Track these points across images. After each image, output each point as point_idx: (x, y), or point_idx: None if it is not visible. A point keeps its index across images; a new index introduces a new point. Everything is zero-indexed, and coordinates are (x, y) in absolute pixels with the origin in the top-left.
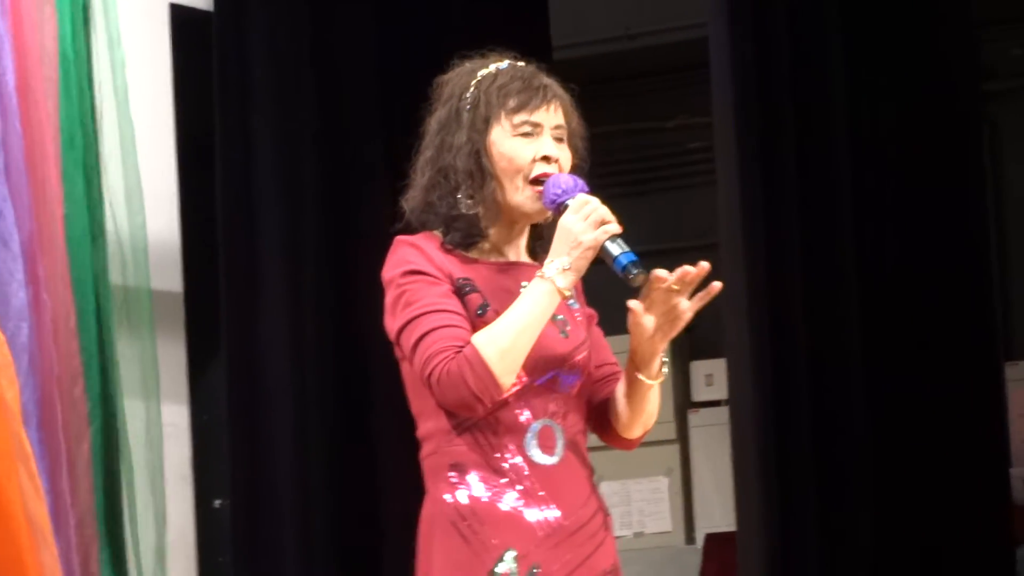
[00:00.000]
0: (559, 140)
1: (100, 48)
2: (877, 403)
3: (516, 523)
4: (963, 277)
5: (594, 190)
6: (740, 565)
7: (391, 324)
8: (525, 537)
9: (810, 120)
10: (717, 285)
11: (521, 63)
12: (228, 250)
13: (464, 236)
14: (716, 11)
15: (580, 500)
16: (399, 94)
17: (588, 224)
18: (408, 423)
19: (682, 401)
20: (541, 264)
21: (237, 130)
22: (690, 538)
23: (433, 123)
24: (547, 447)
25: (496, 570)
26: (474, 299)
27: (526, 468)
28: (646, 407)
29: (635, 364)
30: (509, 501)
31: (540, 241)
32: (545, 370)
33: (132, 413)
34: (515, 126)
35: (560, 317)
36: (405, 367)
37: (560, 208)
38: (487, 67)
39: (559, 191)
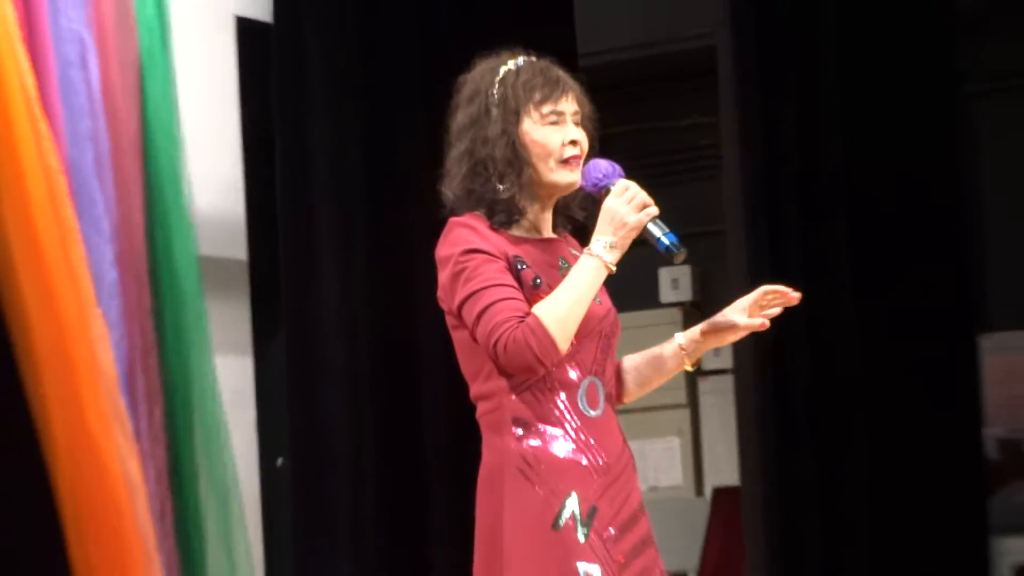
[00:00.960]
0: (577, 124)
1: (178, 54)
2: (867, 370)
3: (576, 469)
4: (944, 257)
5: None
6: (744, 515)
7: (451, 297)
8: (584, 481)
9: (807, 120)
10: (771, 316)
11: (533, 58)
12: (287, 230)
13: (507, 216)
14: (723, 23)
15: (619, 447)
16: (438, 93)
17: (632, 207)
18: (454, 386)
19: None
20: (567, 238)
21: (293, 124)
22: (699, 492)
23: (463, 119)
24: (593, 401)
25: (563, 511)
26: (527, 274)
27: (577, 420)
28: (661, 382)
29: (688, 352)
30: (567, 449)
31: (560, 217)
32: (589, 334)
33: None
34: (543, 116)
35: None
36: (458, 334)
37: (601, 191)
38: (506, 65)
39: (600, 175)
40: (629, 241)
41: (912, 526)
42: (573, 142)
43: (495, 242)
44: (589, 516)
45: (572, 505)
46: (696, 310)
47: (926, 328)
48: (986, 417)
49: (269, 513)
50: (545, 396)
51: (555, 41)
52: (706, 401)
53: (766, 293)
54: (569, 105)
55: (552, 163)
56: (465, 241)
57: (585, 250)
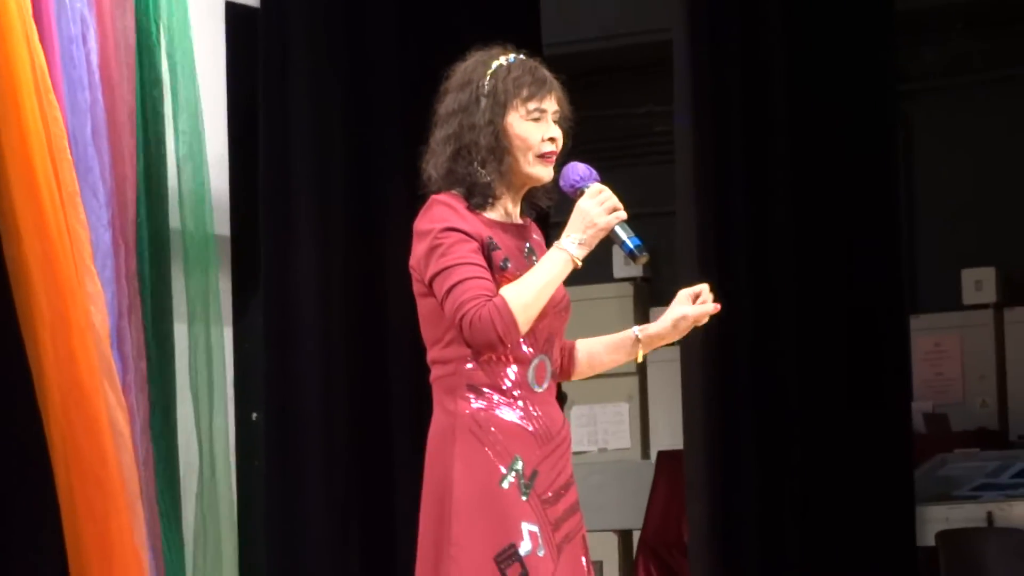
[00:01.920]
0: (556, 122)
1: (170, 36)
2: (804, 345)
3: (523, 434)
4: (878, 245)
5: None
6: (687, 477)
7: (424, 268)
8: (529, 447)
9: (755, 111)
10: (717, 306)
11: (523, 57)
12: (268, 202)
13: (483, 200)
14: (679, 20)
15: (559, 420)
16: (415, 76)
17: (603, 209)
18: (419, 349)
19: None
20: (531, 225)
21: (277, 104)
22: (645, 454)
23: (452, 104)
24: (540, 377)
25: (509, 472)
26: (498, 255)
27: (525, 392)
28: (604, 369)
29: (643, 343)
30: (515, 416)
31: (526, 204)
32: (545, 315)
33: (184, 340)
34: (528, 112)
35: None
36: (424, 302)
37: (577, 192)
38: (499, 60)
39: (577, 178)
40: (597, 240)
41: (843, 492)
42: (552, 139)
43: (471, 222)
44: (531, 479)
45: (517, 467)
46: (646, 284)
47: (860, 308)
48: (914, 393)
49: (244, 464)
50: (499, 368)
51: (521, 30)
52: (654, 370)
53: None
54: (551, 104)
55: (531, 156)
56: (444, 219)
57: (556, 244)
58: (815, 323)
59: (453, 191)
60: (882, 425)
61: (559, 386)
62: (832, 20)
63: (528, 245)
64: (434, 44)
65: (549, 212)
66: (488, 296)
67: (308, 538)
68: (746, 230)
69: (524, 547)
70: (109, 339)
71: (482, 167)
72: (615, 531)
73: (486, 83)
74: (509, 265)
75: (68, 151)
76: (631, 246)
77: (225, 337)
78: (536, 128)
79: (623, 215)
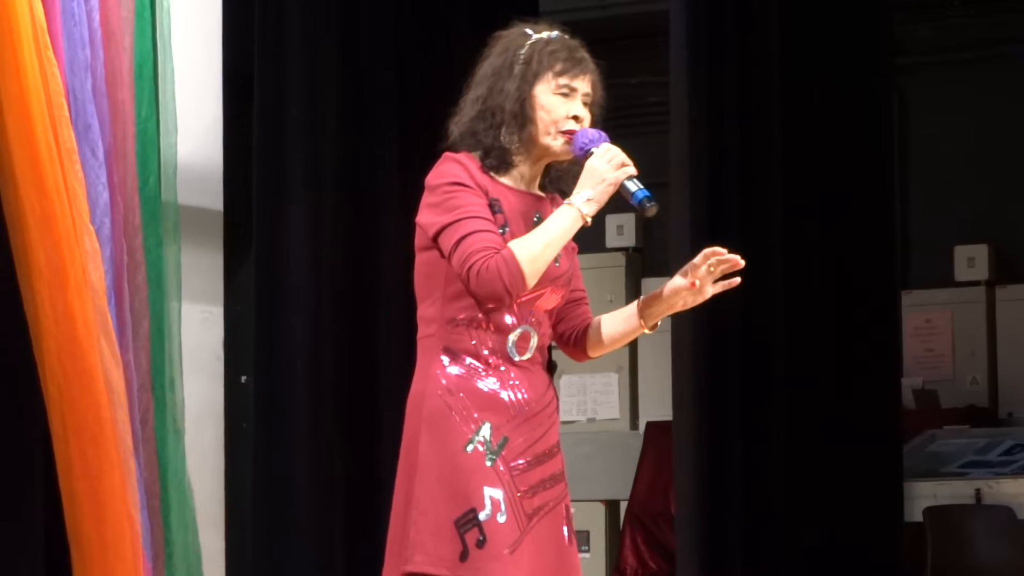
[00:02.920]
0: (585, 104)
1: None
2: (795, 319)
3: (494, 401)
4: (870, 220)
5: None
6: (675, 448)
7: (431, 221)
8: (500, 413)
9: (750, 83)
10: (737, 280)
11: (567, 35)
12: (261, 172)
13: (499, 163)
14: None
15: (542, 389)
16: (410, 40)
17: (611, 165)
18: (409, 313)
19: None
20: (555, 199)
21: (272, 71)
22: (634, 425)
23: (487, 68)
24: (522, 347)
25: (475, 437)
26: (499, 219)
27: (501, 361)
28: (625, 342)
29: (644, 314)
30: (489, 384)
31: (549, 178)
32: (537, 287)
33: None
34: (558, 86)
35: None
36: (423, 255)
37: (587, 154)
38: (540, 33)
39: (587, 140)
40: (607, 196)
41: (831, 468)
42: (575, 117)
43: (480, 181)
44: (500, 445)
45: (485, 433)
46: (638, 255)
47: (852, 283)
48: (904, 369)
49: (233, 426)
50: (478, 334)
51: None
52: (644, 341)
53: (707, 256)
54: (583, 85)
55: (552, 129)
56: (454, 174)
57: (566, 201)
58: (806, 297)
59: (469, 152)
60: (871, 400)
61: (550, 356)
62: None
63: (538, 215)
64: (430, 12)
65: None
66: (496, 248)
67: (294, 499)
68: (739, 202)
69: (484, 512)
70: (106, 296)
71: (504, 131)
72: (602, 501)
73: (523, 52)
74: (508, 230)
75: (66, 108)
76: (640, 197)
77: (217, 303)
78: (563, 104)
79: (632, 170)
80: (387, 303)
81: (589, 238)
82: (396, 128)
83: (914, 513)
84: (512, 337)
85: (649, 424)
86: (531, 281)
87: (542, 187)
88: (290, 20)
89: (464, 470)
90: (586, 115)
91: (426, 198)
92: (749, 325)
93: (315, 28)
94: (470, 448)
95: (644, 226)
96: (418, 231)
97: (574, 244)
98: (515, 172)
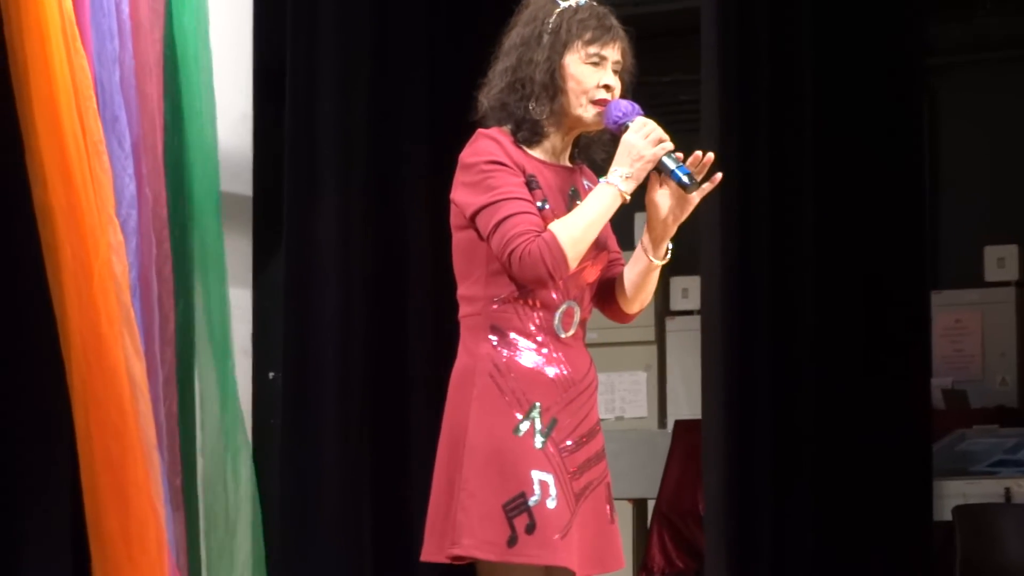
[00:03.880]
0: (615, 72)
1: None
2: (825, 318)
3: (543, 380)
4: (901, 220)
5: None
6: (704, 446)
7: (468, 201)
8: (549, 393)
9: (781, 82)
10: (719, 175)
11: (595, 3)
12: (292, 162)
13: (531, 135)
14: None
15: (585, 366)
16: (441, 35)
17: (648, 142)
18: (440, 303)
19: (661, 309)
20: (583, 169)
21: (304, 62)
22: (662, 423)
23: (515, 38)
24: (567, 324)
25: (525, 419)
26: (537, 195)
27: (549, 338)
28: (648, 286)
29: (647, 246)
30: (536, 362)
31: (578, 148)
32: (580, 262)
33: (205, 298)
34: (588, 55)
35: None
36: (461, 234)
37: (621, 127)
38: (569, 1)
39: (620, 113)
40: (644, 173)
41: (861, 466)
42: (607, 87)
43: (516, 158)
44: (549, 427)
45: (535, 414)
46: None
47: (882, 282)
48: (934, 368)
49: (260, 422)
50: (524, 311)
51: None
52: (673, 339)
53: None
54: (613, 53)
55: (584, 99)
56: (490, 152)
57: (603, 179)
58: (836, 296)
59: (501, 127)
60: (901, 400)
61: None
62: None
63: (573, 188)
64: (462, 4)
65: (603, 166)
66: (537, 231)
67: (322, 497)
68: (769, 202)
69: (534, 498)
70: (130, 289)
71: (534, 103)
72: (630, 500)
73: (551, 21)
74: (547, 206)
75: (94, 99)
76: (680, 175)
77: (245, 297)
78: (593, 73)
79: (670, 146)
80: (416, 296)
81: (618, 235)
82: (426, 121)
83: (943, 512)
84: (558, 313)
85: (677, 423)
86: (574, 264)
87: (571, 157)
88: (323, 12)
89: (514, 453)
90: (617, 83)
91: (461, 176)
92: (778, 324)
93: (347, 20)
94: (521, 431)
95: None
96: (454, 209)
97: None
98: (547, 144)
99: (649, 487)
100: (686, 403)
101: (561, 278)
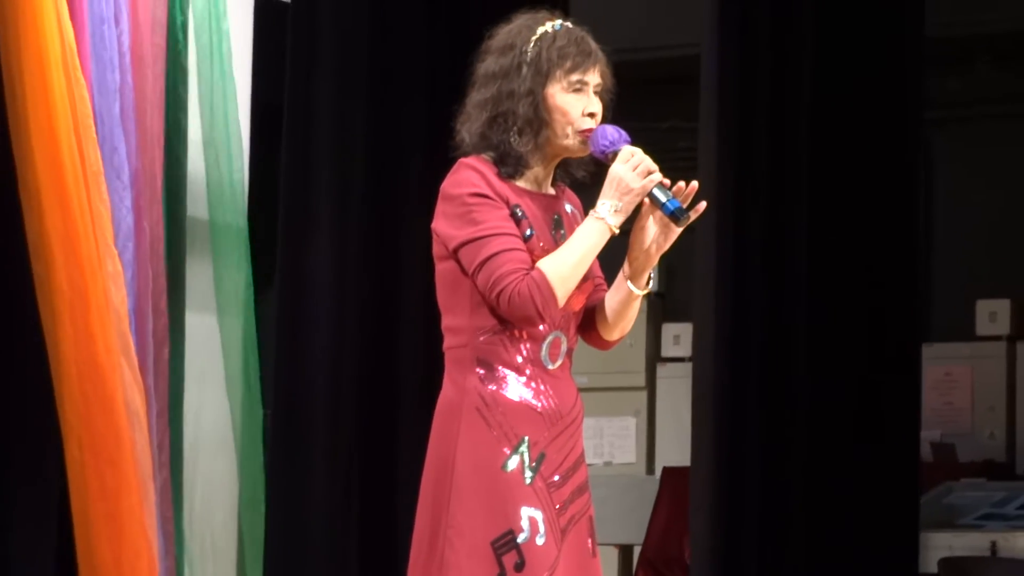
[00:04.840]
0: (597, 94)
1: (201, 23)
2: (816, 371)
3: (530, 414)
4: (894, 272)
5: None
6: (692, 494)
7: (451, 234)
8: (537, 427)
9: (779, 132)
10: (703, 204)
11: (571, 24)
12: (288, 196)
13: (515, 169)
14: (709, 36)
15: (572, 398)
16: (441, 72)
17: (637, 173)
18: (430, 340)
19: (653, 355)
20: (566, 192)
21: (302, 96)
22: (650, 470)
23: (493, 66)
24: (554, 355)
25: (514, 454)
26: (523, 225)
27: (537, 370)
28: (628, 313)
29: (628, 274)
30: (524, 395)
31: (560, 171)
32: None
33: (200, 328)
34: (570, 83)
35: None
36: (444, 265)
37: (608, 156)
38: (544, 26)
39: (607, 142)
40: (633, 206)
41: (848, 517)
42: (591, 114)
43: (499, 189)
44: (538, 462)
45: (523, 450)
46: (660, 300)
47: (873, 335)
48: (923, 421)
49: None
50: (511, 343)
51: None
52: (663, 386)
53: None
54: (594, 77)
55: (569, 130)
56: (473, 184)
57: (591, 213)
58: (827, 346)
59: (483, 155)
60: (890, 451)
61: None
62: (862, 46)
63: (556, 216)
64: (462, 38)
65: (584, 182)
66: (525, 270)
67: (310, 534)
68: (763, 251)
69: (523, 535)
70: (128, 319)
71: (518, 136)
72: (616, 545)
73: (529, 49)
74: (533, 234)
75: (93, 129)
76: (671, 208)
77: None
78: (577, 101)
79: (659, 177)
80: (408, 332)
81: (612, 279)
82: (423, 157)
83: (929, 564)
84: (545, 344)
85: (665, 469)
86: (563, 302)
87: (553, 179)
88: (322, 49)
89: (503, 490)
90: (600, 107)
91: (443, 207)
92: (769, 373)
93: (346, 58)
94: (509, 467)
95: (667, 272)
96: (436, 239)
97: None
98: (530, 175)
99: (636, 533)
100: (675, 450)
101: (551, 317)
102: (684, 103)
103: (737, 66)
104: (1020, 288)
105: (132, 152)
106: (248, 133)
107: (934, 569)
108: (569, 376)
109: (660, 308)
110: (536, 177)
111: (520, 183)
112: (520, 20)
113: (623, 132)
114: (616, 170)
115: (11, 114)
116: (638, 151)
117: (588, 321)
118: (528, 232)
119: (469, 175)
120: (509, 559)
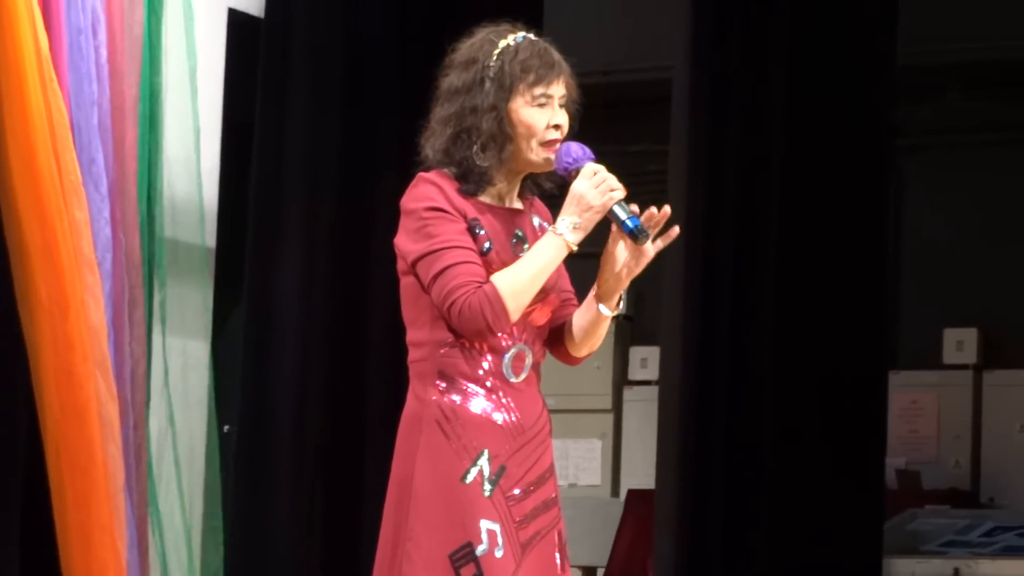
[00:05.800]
0: (563, 107)
1: (176, 38)
2: (782, 397)
3: (490, 427)
4: (861, 299)
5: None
6: (657, 517)
7: (409, 248)
8: (498, 440)
9: (750, 157)
10: (676, 230)
11: (533, 36)
12: (257, 217)
13: (477, 186)
14: (681, 59)
15: (537, 411)
16: (414, 91)
17: (598, 191)
18: (397, 362)
19: (619, 378)
20: (534, 203)
21: (274, 116)
22: (615, 492)
23: (456, 82)
24: (517, 369)
25: (473, 467)
26: (481, 239)
27: (499, 383)
28: (597, 332)
29: (598, 296)
30: (484, 408)
31: (528, 182)
32: (530, 305)
33: (172, 346)
34: (534, 97)
35: None
36: (406, 279)
37: (571, 173)
38: (506, 39)
39: (571, 159)
40: (593, 223)
41: (813, 542)
42: (557, 126)
43: (457, 203)
44: (497, 475)
45: (482, 462)
46: (628, 323)
47: (841, 362)
48: (888, 448)
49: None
50: (472, 356)
51: None
52: (629, 409)
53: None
54: (558, 89)
55: (534, 143)
56: (430, 198)
57: (550, 228)
58: (794, 373)
59: (443, 170)
60: (855, 478)
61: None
62: (834, 73)
63: (518, 232)
64: (437, 58)
65: (553, 193)
66: (478, 283)
67: (272, 554)
68: (731, 276)
69: (481, 547)
70: (106, 330)
71: (482, 152)
72: (580, 567)
73: (492, 64)
74: (491, 248)
75: (71, 139)
76: (631, 226)
77: (204, 348)
78: (541, 114)
79: (621, 194)
80: (376, 353)
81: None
82: (396, 175)
83: None
84: (507, 357)
85: (630, 492)
86: (515, 316)
87: (520, 191)
88: (295, 70)
89: (461, 502)
90: (565, 119)
91: (403, 222)
92: (737, 397)
93: (318, 79)
94: (468, 479)
95: (636, 297)
96: (398, 255)
97: None
98: (493, 190)
99: (600, 555)
100: (640, 473)
101: (502, 331)
102: (655, 126)
103: (709, 89)
104: (988, 317)
105: (109, 164)
106: (219, 151)
107: None
108: (536, 390)
109: (628, 331)
110: (499, 192)
111: (482, 197)
112: (482, 34)
113: (587, 149)
114: (577, 186)
115: None
116: (601, 168)
117: (556, 337)
118: (487, 246)
119: (427, 189)
120: (467, 571)
